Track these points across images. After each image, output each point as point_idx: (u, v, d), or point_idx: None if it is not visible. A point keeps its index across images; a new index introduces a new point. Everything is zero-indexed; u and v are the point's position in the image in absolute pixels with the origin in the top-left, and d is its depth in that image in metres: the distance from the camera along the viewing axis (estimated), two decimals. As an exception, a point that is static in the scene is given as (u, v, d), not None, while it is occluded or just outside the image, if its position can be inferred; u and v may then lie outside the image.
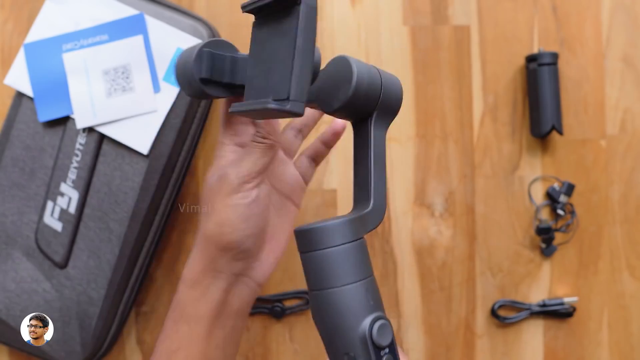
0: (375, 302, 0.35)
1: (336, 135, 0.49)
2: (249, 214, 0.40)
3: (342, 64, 0.37)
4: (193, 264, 0.42)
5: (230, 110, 0.35)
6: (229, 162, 0.42)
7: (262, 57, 0.35)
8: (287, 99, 0.32)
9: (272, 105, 0.32)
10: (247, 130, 0.43)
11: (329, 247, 0.35)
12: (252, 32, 0.36)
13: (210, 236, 0.41)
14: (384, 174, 0.39)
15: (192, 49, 0.38)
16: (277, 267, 0.57)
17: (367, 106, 0.38)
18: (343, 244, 0.35)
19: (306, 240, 0.36)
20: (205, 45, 0.38)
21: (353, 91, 0.36)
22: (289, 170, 0.47)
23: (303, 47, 0.32)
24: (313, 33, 0.33)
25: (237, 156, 0.42)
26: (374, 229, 0.38)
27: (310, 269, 0.36)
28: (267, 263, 0.44)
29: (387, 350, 0.35)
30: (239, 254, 0.41)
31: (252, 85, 0.36)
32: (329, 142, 0.49)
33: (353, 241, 0.35)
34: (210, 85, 0.38)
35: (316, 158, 0.49)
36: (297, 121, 0.48)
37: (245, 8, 0.35)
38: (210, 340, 0.42)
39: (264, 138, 0.40)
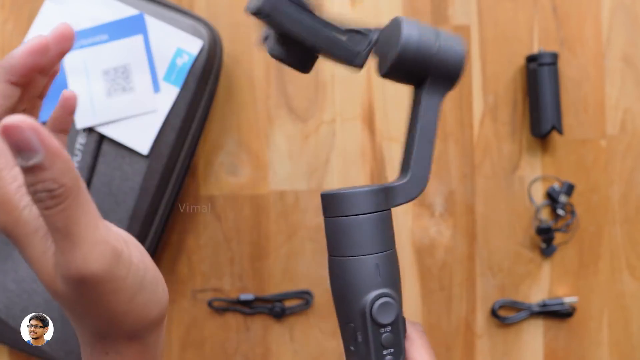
0: (386, 279, 0.35)
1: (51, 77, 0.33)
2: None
3: (395, 24, 0.36)
4: None
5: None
6: None
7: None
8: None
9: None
10: None
11: (347, 216, 0.34)
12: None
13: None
14: (431, 147, 0.37)
15: None
16: (277, 267, 0.57)
17: (419, 71, 0.36)
18: (362, 214, 0.34)
19: (329, 204, 0.35)
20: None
21: (398, 54, 0.35)
22: None
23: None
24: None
25: None
26: (408, 201, 0.36)
27: (328, 234, 0.36)
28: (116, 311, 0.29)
29: (388, 328, 0.34)
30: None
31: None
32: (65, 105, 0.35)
33: (373, 212, 0.34)
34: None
35: (62, 127, 0.35)
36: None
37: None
38: None
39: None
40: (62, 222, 0.25)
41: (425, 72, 0.36)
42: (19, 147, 0.23)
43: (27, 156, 0.23)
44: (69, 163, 0.24)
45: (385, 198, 0.35)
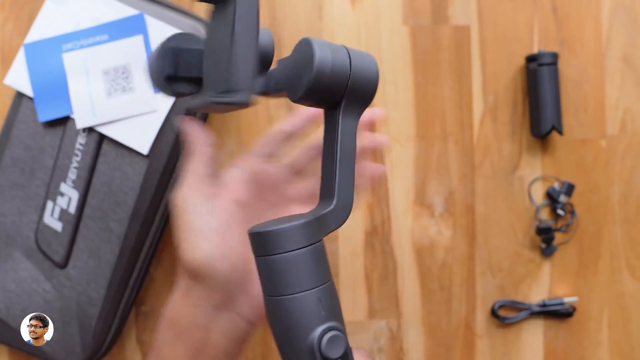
0: (329, 312, 0.33)
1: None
2: (223, 231, 0.36)
3: (305, 47, 0.34)
4: (171, 301, 0.38)
5: (186, 107, 0.33)
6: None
7: (212, 48, 0.33)
8: (231, 90, 0.30)
9: (214, 99, 0.30)
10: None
11: (279, 253, 0.33)
12: (206, 23, 0.34)
13: (180, 260, 0.37)
14: (352, 169, 0.36)
15: (159, 45, 0.36)
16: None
17: (335, 93, 0.34)
18: (295, 249, 0.33)
19: (258, 243, 0.34)
20: (169, 39, 0.35)
21: (315, 76, 0.33)
22: (273, 193, 0.41)
23: (241, 32, 0.30)
24: (252, 17, 0.31)
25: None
26: (336, 229, 0.35)
27: (262, 273, 0.34)
28: (256, 297, 0.38)
29: None
30: (215, 283, 0.37)
31: (207, 79, 0.34)
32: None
33: (307, 246, 0.33)
34: (178, 82, 0.36)
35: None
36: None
37: None
38: None
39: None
40: None
41: (340, 94, 0.35)
42: None
43: None
44: None
45: (317, 228, 0.34)
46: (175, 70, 0.35)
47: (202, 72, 0.35)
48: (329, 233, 0.35)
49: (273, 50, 0.35)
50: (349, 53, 0.35)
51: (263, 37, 0.34)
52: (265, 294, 0.34)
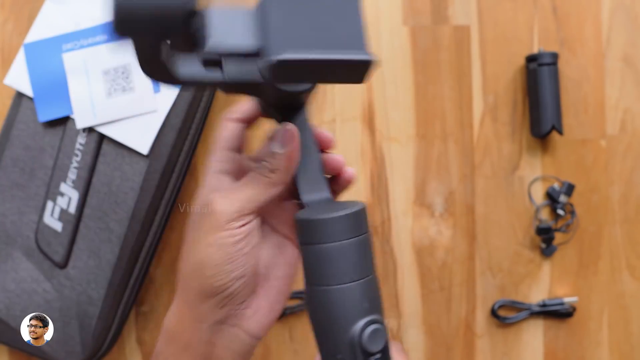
0: (372, 304, 0.33)
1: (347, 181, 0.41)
2: (235, 253, 0.34)
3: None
4: (173, 312, 0.37)
5: (281, 58, 0.28)
6: (216, 191, 0.36)
7: (298, 8, 0.30)
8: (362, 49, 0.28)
9: (361, 57, 0.27)
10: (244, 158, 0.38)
11: (328, 242, 0.32)
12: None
13: (188, 280, 0.35)
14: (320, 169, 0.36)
15: None
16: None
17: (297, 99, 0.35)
18: (345, 239, 0.32)
19: (305, 231, 0.33)
20: None
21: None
22: (288, 205, 0.39)
23: None
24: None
25: (228, 185, 0.37)
26: None
27: (307, 262, 0.33)
28: (262, 312, 0.37)
29: (378, 355, 0.32)
30: (224, 299, 0.35)
31: (283, 37, 0.29)
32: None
33: (357, 236, 0.32)
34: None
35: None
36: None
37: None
38: None
39: (272, 171, 0.34)
40: None
41: (300, 103, 0.35)
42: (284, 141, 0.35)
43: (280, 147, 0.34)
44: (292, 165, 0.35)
45: (365, 217, 0.33)
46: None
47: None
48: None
49: None
50: None
51: None
52: (309, 283, 0.33)
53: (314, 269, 0.33)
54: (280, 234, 0.39)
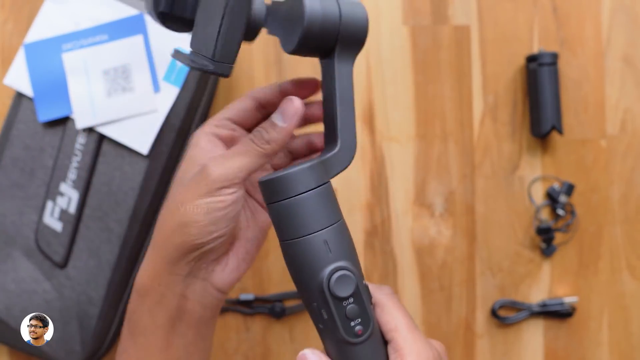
0: (337, 252, 0.34)
1: (310, 147, 0.44)
2: (221, 217, 0.36)
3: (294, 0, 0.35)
4: (146, 268, 0.38)
5: (172, 55, 0.33)
6: (210, 156, 0.37)
7: (207, 6, 0.34)
8: (212, 58, 0.31)
9: (194, 64, 0.31)
10: (246, 120, 0.40)
11: (288, 198, 0.34)
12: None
13: (170, 235, 0.37)
14: (352, 112, 0.37)
15: None
16: (277, 267, 0.57)
17: (327, 41, 0.36)
18: (303, 192, 0.34)
19: (267, 190, 0.35)
20: None
21: (306, 27, 0.34)
22: (265, 172, 0.42)
23: (233, 8, 0.31)
24: None
25: (220, 151, 0.38)
26: (342, 170, 0.36)
27: (274, 220, 0.35)
28: (229, 269, 0.39)
29: (350, 300, 0.34)
30: (201, 254, 0.37)
31: (196, 32, 0.34)
32: (305, 150, 0.44)
33: (314, 188, 0.34)
34: (171, 20, 0.36)
35: (295, 154, 0.44)
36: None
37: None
38: (170, 352, 0.39)
39: (268, 142, 0.36)
40: None
41: (332, 41, 0.36)
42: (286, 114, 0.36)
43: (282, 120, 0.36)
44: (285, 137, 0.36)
45: (323, 171, 0.35)
46: (171, 9, 0.36)
47: (194, 17, 0.35)
48: (335, 175, 0.36)
49: (265, 16, 0.36)
50: (337, 2, 0.36)
51: (257, 2, 0.35)
52: (279, 239, 0.35)
53: (278, 225, 0.35)
54: (254, 199, 0.42)
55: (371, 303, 0.36)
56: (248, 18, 0.34)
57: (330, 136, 0.37)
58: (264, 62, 0.57)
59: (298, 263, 0.35)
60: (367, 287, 0.36)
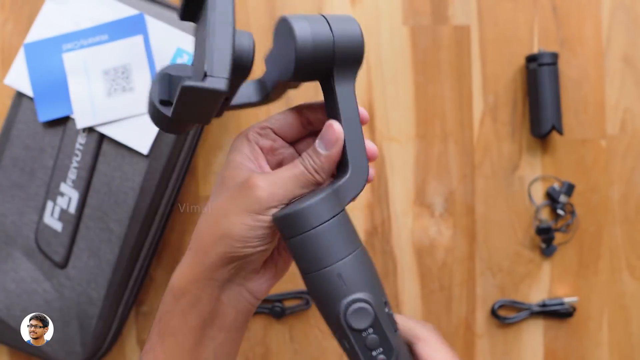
0: (352, 284, 0.34)
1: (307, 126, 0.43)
2: (266, 233, 0.36)
3: (283, 25, 0.35)
4: (184, 272, 0.38)
5: (170, 115, 0.33)
6: (255, 170, 0.38)
7: (196, 50, 0.34)
8: (205, 75, 0.30)
9: (188, 83, 0.30)
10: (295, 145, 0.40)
11: (301, 233, 0.34)
12: (194, 31, 0.35)
13: (212, 244, 0.37)
14: (360, 133, 0.36)
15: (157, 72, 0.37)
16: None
17: (324, 63, 0.35)
18: (316, 226, 0.34)
19: (281, 226, 0.35)
20: (166, 67, 0.37)
21: (299, 51, 0.34)
22: None
23: (216, 22, 0.31)
24: (227, 7, 0.31)
25: (262, 161, 0.39)
26: (356, 196, 0.36)
27: (292, 254, 0.36)
28: (267, 276, 0.40)
29: (370, 330, 0.34)
30: (243, 264, 0.38)
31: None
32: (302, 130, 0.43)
33: (327, 221, 0.34)
34: (170, 106, 0.36)
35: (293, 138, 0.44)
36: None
37: (179, 14, 0.35)
38: (198, 353, 0.39)
39: (317, 171, 0.36)
40: None
41: (329, 62, 0.35)
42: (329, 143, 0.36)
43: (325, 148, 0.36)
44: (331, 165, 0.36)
45: (336, 200, 0.35)
46: (169, 96, 0.36)
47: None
48: (349, 202, 0.35)
49: (253, 52, 0.35)
50: (327, 20, 0.35)
51: (243, 38, 0.35)
52: (300, 272, 0.36)
53: (296, 259, 0.35)
54: None
55: (395, 330, 0.36)
56: (233, 36, 0.33)
57: (341, 161, 0.36)
58: (263, 62, 0.57)
59: (317, 296, 0.35)
60: (389, 315, 0.35)
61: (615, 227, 0.59)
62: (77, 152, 0.51)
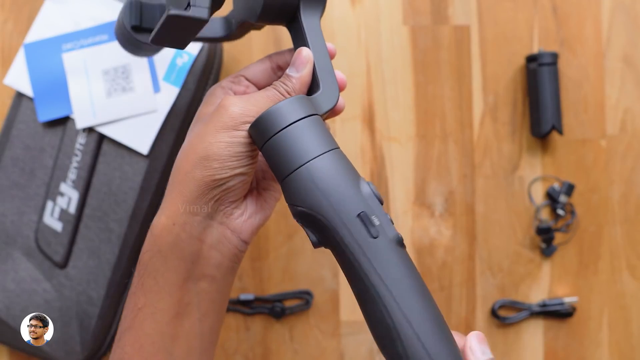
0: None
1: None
2: (242, 153, 0.36)
3: None
4: (163, 210, 0.37)
5: (150, 40, 0.35)
6: (234, 95, 0.39)
7: None
8: (188, 4, 0.32)
9: (174, 12, 0.32)
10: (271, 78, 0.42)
11: (282, 129, 0.34)
12: None
13: (190, 171, 0.36)
14: (329, 60, 0.38)
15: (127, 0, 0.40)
16: (277, 267, 0.57)
17: (290, 4, 0.38)
18: (296, 120, 0.34)
19: (259, 130, 0.35)
20: None
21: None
22: None
23: None
24: None
25: (246, 91, 0.41)
26: (331, 107, 0.37)
27: (272, 158, 0.35)
28: (248, 214, 0.39)
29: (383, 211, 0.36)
30: (221, 192, 0.37)
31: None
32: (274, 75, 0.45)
33: (307, 117, 0.35)
34: (142, 32, 0.39)
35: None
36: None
37: None
38: (180, 296, 0.37)
39: (288, 92, 0.38)
40: None
41: (295, 2, 0.38)
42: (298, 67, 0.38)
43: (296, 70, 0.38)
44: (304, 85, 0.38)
45: (311, 105, 0.36)
46: (140, 22, 0.38)
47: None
48: (324, 113, 0.37)
49: None
50: None
51: None
52: (281, 178, 0.35)
53: (273, 167, 0.35)
54: None
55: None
56: None
57: (312, 85, 0.38)
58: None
59: (331, 178, 0.34)
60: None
61: (615, 227, 0.59)
62: (77, 152, 0.51)
